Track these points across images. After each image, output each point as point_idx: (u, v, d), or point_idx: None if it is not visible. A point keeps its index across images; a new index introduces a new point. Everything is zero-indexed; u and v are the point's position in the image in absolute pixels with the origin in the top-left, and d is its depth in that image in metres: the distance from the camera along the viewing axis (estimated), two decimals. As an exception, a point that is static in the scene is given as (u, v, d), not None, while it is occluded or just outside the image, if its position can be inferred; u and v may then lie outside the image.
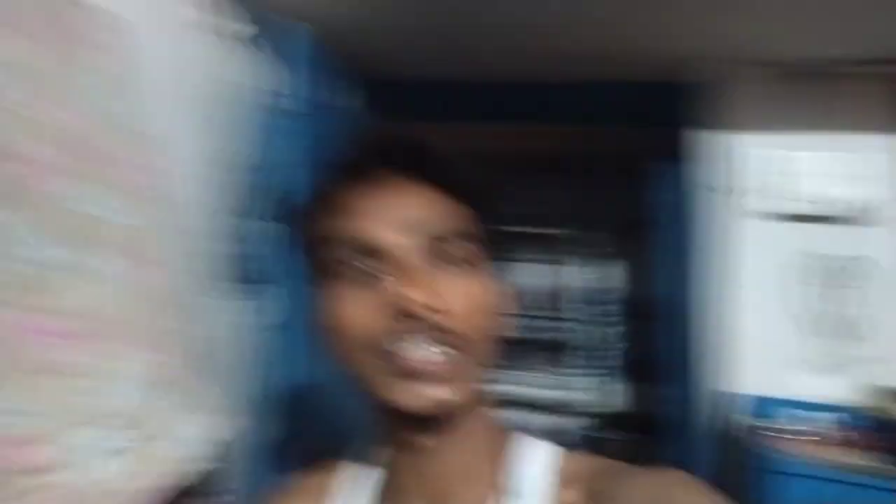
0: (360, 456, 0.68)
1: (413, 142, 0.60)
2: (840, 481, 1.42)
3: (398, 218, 0.57)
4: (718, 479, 1.86)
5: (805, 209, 1.78)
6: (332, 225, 0.59)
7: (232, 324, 1.67)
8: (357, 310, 0.57)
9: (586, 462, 0.63)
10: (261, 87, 1.76)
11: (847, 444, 1.60)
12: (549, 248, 3.24)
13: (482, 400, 0.63)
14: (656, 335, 2.30)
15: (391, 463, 0.65)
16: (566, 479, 0.62)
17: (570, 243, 3.20)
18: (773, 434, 1.64)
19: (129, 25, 1.12)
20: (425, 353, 0.55)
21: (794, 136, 1.82)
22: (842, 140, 1.78)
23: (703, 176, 1.87)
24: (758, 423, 1.71)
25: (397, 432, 0.62)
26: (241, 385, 1.71)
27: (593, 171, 3.20)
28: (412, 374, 0.56)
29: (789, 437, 1.63)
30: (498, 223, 0.64)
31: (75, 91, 0.94)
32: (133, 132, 1.05)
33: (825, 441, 1.61)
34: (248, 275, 1.67)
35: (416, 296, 0.54)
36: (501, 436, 0.65)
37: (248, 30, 1.70)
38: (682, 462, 2.09)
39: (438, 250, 0.58)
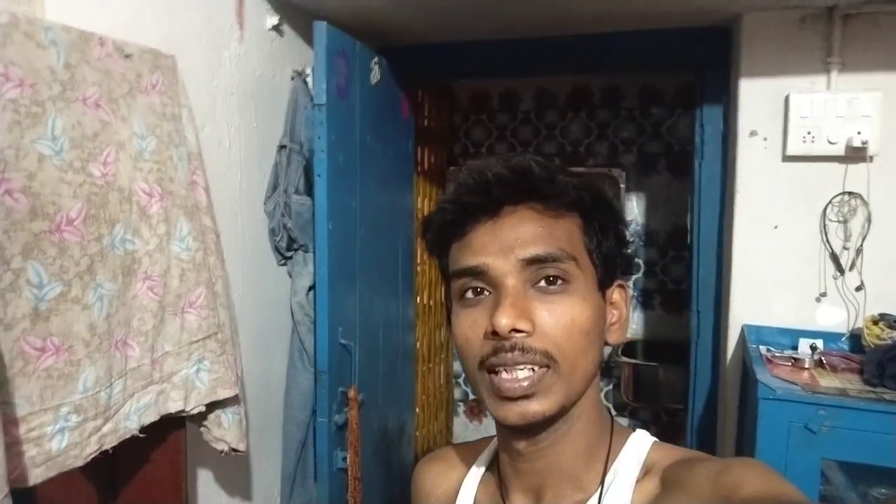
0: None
1: (514, 170, 0.66)
2: (819, 405, 1.56)
3: (496, 245, 0.64)
4: (740, 407, 2.06)
5: (808, 148, 1.86)
6: (449, 256, 0.69)
7: (275, 289, 1.94)
8: (467, 330, 0.65)
9: (669, 452, 0.68)
10: (289, 75, 1.97)
11: (832, 369, 1.74)
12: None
13: (583, 407, 0.67)
14: (689, 267, 2.43)
15: (500, 453, 0.74)
16: (648, 469, 0.66)
17: (608, 180, 3.29)
18: (763, 359, 1.79)
19: (172, 59, 1.34)
20: (512, 376, 0.62)
21: (804, 77, 1.88)
22: (848, 79, 1.84)
23: (719, 119, 1.98)
24: (751, 349, 1.86)
25: (503, 435, 0.71)
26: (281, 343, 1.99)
27: (633, 113, 3.27)
28: (504, 394, 0.62)
29: (778, 362, 1.78)
30: (619, 231, 0.70)
31: (117, 141, 1.15)
32: (154, 165, 1.25)
33: (812, 367, 1.74)
34: (281, 245, 1.91)
35: (504, 317, 0.60)
36: (602, 436, 0.70)
37: (275, 21, 1.89)
38: (692, 389, 2.28)
39: (535, 272, 0.63)
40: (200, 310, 1.30)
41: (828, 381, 1.66)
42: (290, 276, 1.97)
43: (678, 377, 2.84)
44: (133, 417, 1.24)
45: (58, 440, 1.08)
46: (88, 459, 1.14)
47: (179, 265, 1.28)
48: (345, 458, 1.78)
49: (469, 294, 0.66)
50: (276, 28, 1.91)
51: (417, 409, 2.81)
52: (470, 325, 0.65)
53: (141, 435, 1.26)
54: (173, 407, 1.29)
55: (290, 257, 1.95)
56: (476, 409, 3.60)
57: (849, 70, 1.85)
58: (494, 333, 0.62)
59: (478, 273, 0.65)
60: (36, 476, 1.05)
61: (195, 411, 1.34)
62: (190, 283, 1.29)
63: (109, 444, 1.19)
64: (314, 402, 1.86)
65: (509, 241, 0.64)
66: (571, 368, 0.63)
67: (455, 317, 0.67)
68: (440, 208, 0.70)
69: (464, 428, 3.63)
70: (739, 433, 2.01)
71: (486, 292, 0.65)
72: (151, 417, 1.27)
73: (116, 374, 1.19)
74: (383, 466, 2.21)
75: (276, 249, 1.92)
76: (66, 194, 1.05)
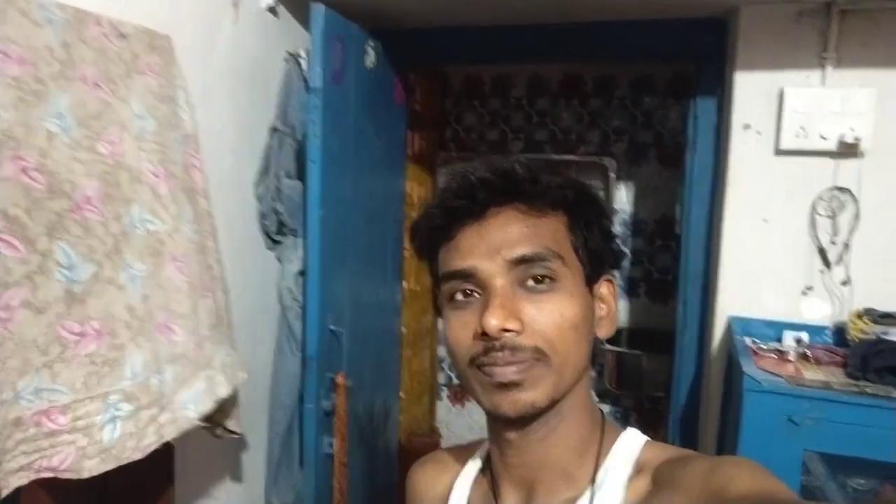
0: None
1: (498, 172, 0.67)
2: (801, 397, 1.59)
3: (482, 247, 0.65)
4: (724, 397, 2.08)
5: (799, 143, 1.88)
6: (438, 260, 0.70)
7: (258, 276, 1.92)
8: (458, 332, 0.66)
9: (662, 451, 0.68)
10: (282, 57, 1.94)
11: (815, 362, 1.76)
12: (577, 173, 3.35)
13: (573, 402, 0.68)
14: (676, 257, 2.45)
15: (491, 451, 0.74)
16: (640, 470, 0.67)
17: (580, 167, 3.30)
18: (748, 351, 1.81)
19: (168, 39, 1.31)
20: (502, 369, 0.63)
21: (797, 71, 1.89)
22: (841, 75, 1.85)
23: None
24: (736, 341, 1.88)
25: (495, 429, 0.71)
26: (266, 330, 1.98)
27: (624, 102, 3.28)
28: (496, 385, 0.63)
29: (763, 354, 1.79)
30: (605, 226, 0.71)
31: (119, 121, 1.12)
32: (159, 145, 1.22)
33: (796, 359, 1.76)
34: (271, 229, 1.90)
35: (493, 318, 0.62)
36: (593, 432, 0.70)
37: (270, 2, 1.86)
38: (674, 378, 2.30)
39: (522, 272, 0.64)
40: (212, 293, 1.29)
41: (812, 374, 1.68)
42: (280, 260, 1.96)
43: (661, 366, 2.87)
44: (190, 406, 1.21)
45: (109, 430, 1.06)
46: (149, 451, 1.12)
47: (193, 247, 1.26)
48: (331, 444, 1.78)
49: (459, 296, 0.67)
50: (270, 9, 1.88)
51: (402, 394, 2.81)
52: (460, 326, 0.66)
53: (203, 425, 1.23)
54: (222, 392, 1.28)
55: (280, 242, 1.93)
56: (459, 394, 3.62)
57: (844, 66, 1.86)
58: (484, 334, 0.63)
59: (466, 276, 0.66)
60: (90, 468, 1.03)
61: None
62: (203, 266, 1.27)
63: (170, 435, 1.17)
64: (301, 387, 1.86)
65: (496, 243, 0.65)
66: (562, 363, 0.64)
67: (446, 319, 0.68)
68: (427, 213, 0.70)
69: (447, 412, 3.65)
70: (722, 423, 2.04)
71: (475, 294, 0.66)
72: (207, 405, 1.26)
73: (165, 359, 1.16)
74: (368, 451, 2.21)
75: (266, 234, 1.91)
76: (79, 172, 1.03)
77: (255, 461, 1.97)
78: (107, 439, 1.06)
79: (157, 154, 1.21)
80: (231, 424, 1.42)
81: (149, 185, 1.18)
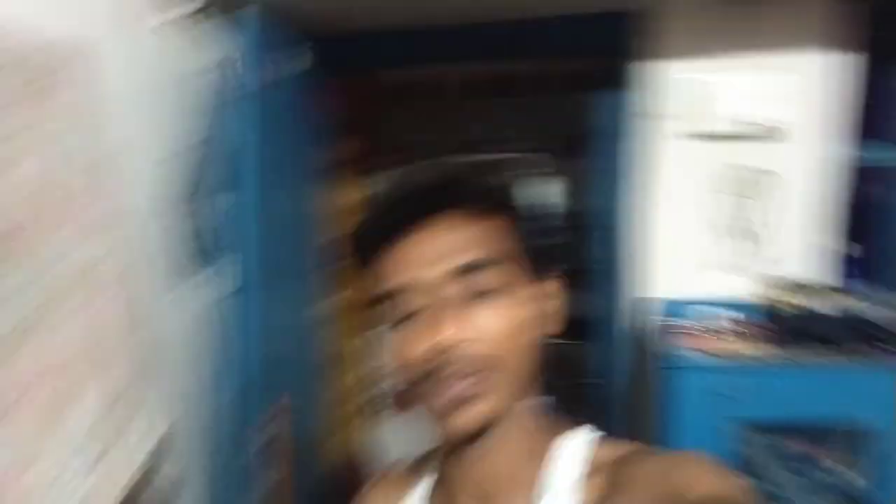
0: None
1: (437, 179, 0.65)
2: (733, 371, 1.65)
3: (422, 257, 0.62)
4: (636, 378, 2.12)
5: (723, 129, 1.94)
6: (375, 277, 0.65)
7: (190, 299, 1.78)
8: (404, 347, 0.62)
9: (616, 449, 0.67)
10: (212, 64, 1.85)
11: (744, 336, 1.83)
12: (494, 170, 3.39)
13: (522, 407, 0.67)
14: (589, 246, 2.48)
15: (444, 464, 0.72)
16: (594, 469, 0.65)
17: (514, 164, 3.35)
18: (678, 332, 1.85)
19: (87, 53, 1.20)
20: (454, 384, 0.60)
21: (719, 59, 1.94)
22: (763, 62, 1.91)
23: (636, 102, 2.04)
24: (666, 323, 1.92)
25: (446, 441, 0.69)
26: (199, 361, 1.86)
27: (536, 99, 3.34)
28: (450, 401, 0.61)
29: (693, 333, 1.84)
30: (548, 233, 0.69)
31: (41, 140, 1.03)
32: (88, 161, 1.14)
33: (725, 335, 1.83)
34: (204, 248, 1.79)
35: (440, 332, 0.59)
36: (543, 434, 0.69)
37: (197, 6, 1.78)
38: (607, 365, 2.33)
39: (467, 280, 0.61)
40: (142, 325, 1.24)
41: (741, 349, 1.74)
42: (209, 281, 1.85)
43: (587, 353, 2.91)
44: (137, 448, 1.20)
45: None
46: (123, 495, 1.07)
47: (121, 276, 1.19)
48: (275, 471, 1.71)
49: (401, 311, 0.63)
50: (198, 13, 1.77)
51: (334, 415, 2.76)
52: (406, 342, 0.63)
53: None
54: (160, 430, 1.24)
55: (209, 262, 1.83)
56: (401, 403, 3.57)
57: (765, 52, 1.91)
58: (433, 349, 0.60)
59: (408, 289, 0.63)
60: None
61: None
62: (132, 296, 1.22)
63: (130, 479, 1.13)
64: (240, 414, 1.78)
65: (436, 253, 0.62)
66: (515, 368, 0.63)
67: (389, 336, 0.65)
68: (363, 224, 0.68)
69: (382, 431, 3.58)
70: (652, 403, 2.08)
71: (417, 308, 0.63)
72: (149, 445, 1.24)
73: (112, 396, 1.13)
74: (306, 475, 2.14)
75: (193, 253, 1.79)
76: (7, 195, 0.96)
77: (198, 497, 1.83)
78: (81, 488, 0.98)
79: (79, 174, 1.12)
80: (166, 468, 1.35)
81: (74, 209, 1.09)
